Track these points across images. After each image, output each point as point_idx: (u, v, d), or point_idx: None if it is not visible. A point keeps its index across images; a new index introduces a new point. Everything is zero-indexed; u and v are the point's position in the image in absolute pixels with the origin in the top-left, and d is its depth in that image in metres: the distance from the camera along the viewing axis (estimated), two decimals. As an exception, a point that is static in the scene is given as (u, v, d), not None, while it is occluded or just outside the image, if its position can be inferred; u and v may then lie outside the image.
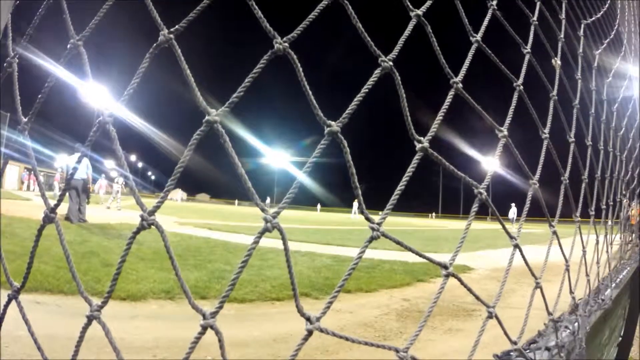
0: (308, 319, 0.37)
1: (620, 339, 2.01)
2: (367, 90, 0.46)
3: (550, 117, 0.82)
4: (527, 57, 0.78)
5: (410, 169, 0.47)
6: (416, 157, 0.49)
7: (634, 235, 2.61)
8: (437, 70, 0.64)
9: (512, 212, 23.13)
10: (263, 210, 0.37)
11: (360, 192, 0.41)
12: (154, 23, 0.46)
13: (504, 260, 7.18)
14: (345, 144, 0.43)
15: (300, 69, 0.46)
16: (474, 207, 0.55)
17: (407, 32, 0.56)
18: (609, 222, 1.56)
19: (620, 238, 2.08)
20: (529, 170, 0.74)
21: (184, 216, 15.02)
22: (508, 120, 0.68)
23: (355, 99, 0.44)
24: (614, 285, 1.55)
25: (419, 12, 0.58)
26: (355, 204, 22.57)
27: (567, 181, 0.85)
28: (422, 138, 0.49)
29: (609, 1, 1.60)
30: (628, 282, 1.90)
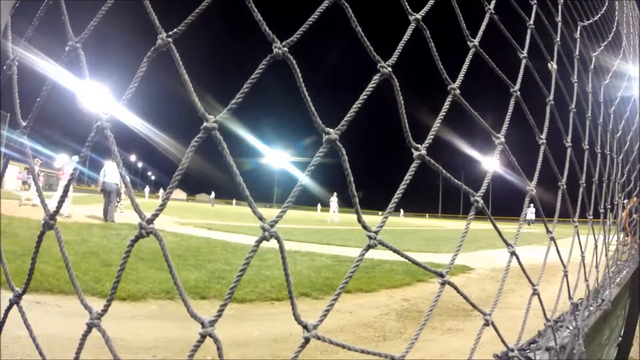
0: (305, 327, 0.37)
1: (620, 339, 2.01)
2: (365, 96, 0.45)
3: (547, 122, 0.81)
4: (523, 62, 0.77)
5: (407, 177, 0.46)
6: (413, 164, 0.48)
7: (636, 235, 2.61)
8: (434, 70, 0.63)
9: (530, 212, 22.31)
10: (261, 218, 0.36)
11: (357, 200, 0.41)
12: (154, 20, 0.45)
13: (503, 261, 7.17)
14: (344, 152, 0.42)
15: (300, 76, 0.45)
16: (470, 216, 0.54)
17: (406, 37, 0.56)
18: (607, 223, 1.56)
19: (619, 239, 2.08)
20: (527, 175, 0.74)
21: (185, 216, 15.09)
22: (505, 127, 0.67)
23: (354, 106, 0.43)
24: (613, 285, 1.56)
25: (418, 16, 0.58)
26: (333, 203, 21.62)
27: (565, 186, 0.85)
28: (419, 145, 0.48)
29: (607, 2, 1.60)
30: (628, 282, 1.90)
